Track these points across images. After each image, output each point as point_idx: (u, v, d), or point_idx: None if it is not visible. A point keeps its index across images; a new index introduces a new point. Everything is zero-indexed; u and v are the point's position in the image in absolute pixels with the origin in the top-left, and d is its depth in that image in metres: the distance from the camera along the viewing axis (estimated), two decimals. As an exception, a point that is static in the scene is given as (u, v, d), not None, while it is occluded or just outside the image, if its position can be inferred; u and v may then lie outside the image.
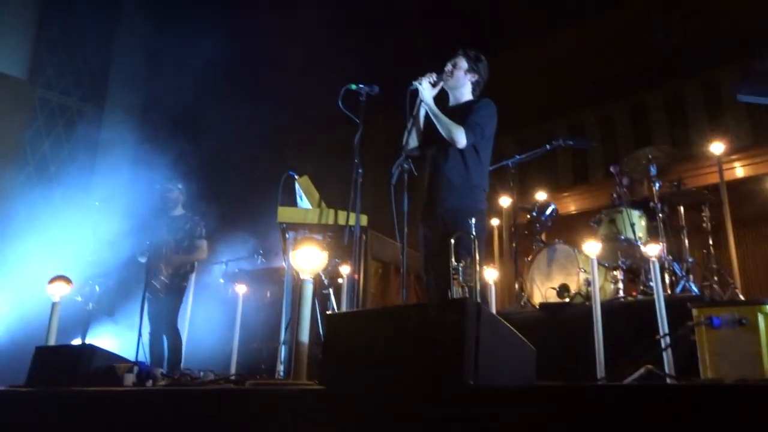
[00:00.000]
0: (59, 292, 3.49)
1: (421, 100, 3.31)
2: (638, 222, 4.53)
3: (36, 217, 7.48)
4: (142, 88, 9.36)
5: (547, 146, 5.08)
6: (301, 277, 2.30)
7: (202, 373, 3.05)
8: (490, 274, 3.61)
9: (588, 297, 4.20)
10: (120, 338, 6.10)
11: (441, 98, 3.43)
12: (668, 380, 2.33)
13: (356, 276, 3.55)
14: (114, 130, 8.98)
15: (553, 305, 4.24)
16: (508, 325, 1.87)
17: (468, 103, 3.41)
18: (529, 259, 4.87)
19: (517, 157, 5.16)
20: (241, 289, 4.07)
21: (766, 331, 2.09)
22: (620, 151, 8.05)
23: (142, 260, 4.87)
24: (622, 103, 8.85)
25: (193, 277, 5.10)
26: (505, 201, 5.60)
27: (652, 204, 4.55)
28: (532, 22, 9.68)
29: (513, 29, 9.75)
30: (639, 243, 4.40)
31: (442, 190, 3.23)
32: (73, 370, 2.85)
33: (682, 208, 4.81)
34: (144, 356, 4.54)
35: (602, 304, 3.01)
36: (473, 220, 3.02)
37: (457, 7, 9.19)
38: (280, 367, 3.39)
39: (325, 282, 3.77)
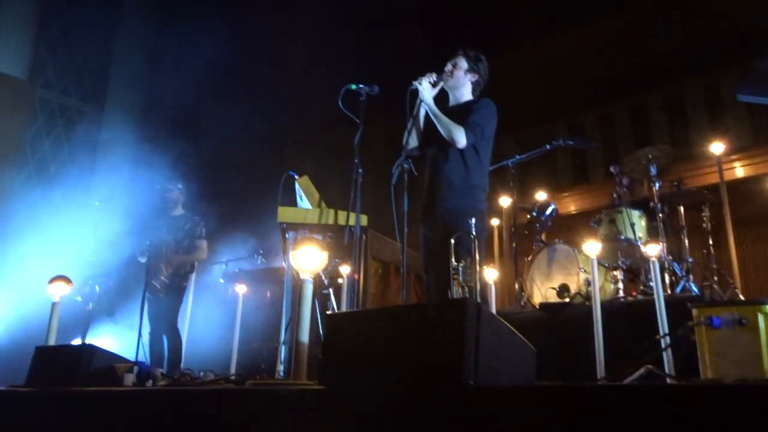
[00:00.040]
0: (59, 292, 3.49)
1: (421, 100, 3.31)
2: (638, 222, 4.53)
3: (36, 217, 7.48)
4: (142, 88, 9.36)
5: (547, 146, 5.08)
6: (301, 277, 2.30)
7: (202, 373, 3.05)
8: (490, 274, 3.61)
9: (588, 297, 4.20)
10: (120, 338, 6.10)
11: (441, 98, 3.43)
12: (668, 380, 2.33)
13: (356, 276, 3.55)
14: (114, 130, 8.98)
15: (553, 305, 4.24)
16: (508, 325, 1.87)
17: (468, 103, 3.41)
18: (529, 259, 4.87)
19: (517, 157, 5.15)
20: (241, 289, 4.07)
21: (766, 331, 2.09)
22: (620, 151, 8.06)
23: (142, 260, 4.87)
24: (622, 103, 8.86)
25: (193, 277, 5.10)
26: (505, 201, 5.60)
27: (652, 204, 4.55)
28: (533, 22, 9.69)
29: (513, 29, 9.76)
30: (639, 243, 4.40)
31: (442, 190, 3.23)
32: (73, 370, 2.85)
33: (682, 208, 4.81)
34: (144, 356, 4.53)
35: (602, 304, 3.01)
36: (473, 220, 3.02)
37: (458, 7, 9.20)
38: (280, 367, 3.39)
39: (325, 282, 3.77)
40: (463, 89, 3.45)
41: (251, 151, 8.32)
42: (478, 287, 2.92)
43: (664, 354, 2.59)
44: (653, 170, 4.60)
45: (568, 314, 3.99)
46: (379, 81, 3.26)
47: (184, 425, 2.09)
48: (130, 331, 5.18)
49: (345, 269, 3.55)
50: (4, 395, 2.88)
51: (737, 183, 7.10)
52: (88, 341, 5.18)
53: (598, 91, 8.74)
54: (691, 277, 4.42)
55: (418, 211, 3.36)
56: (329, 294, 3.76)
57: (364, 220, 3.20)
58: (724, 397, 1.22)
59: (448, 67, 3.45)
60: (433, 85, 3.32)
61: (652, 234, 4.54)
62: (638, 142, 8.07)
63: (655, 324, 2.74)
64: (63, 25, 9.06)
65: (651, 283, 3.47)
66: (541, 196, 5.41)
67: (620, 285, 4.37)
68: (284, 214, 3.38)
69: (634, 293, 4.37)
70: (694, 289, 4.27)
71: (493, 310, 3.61)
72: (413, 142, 3.40)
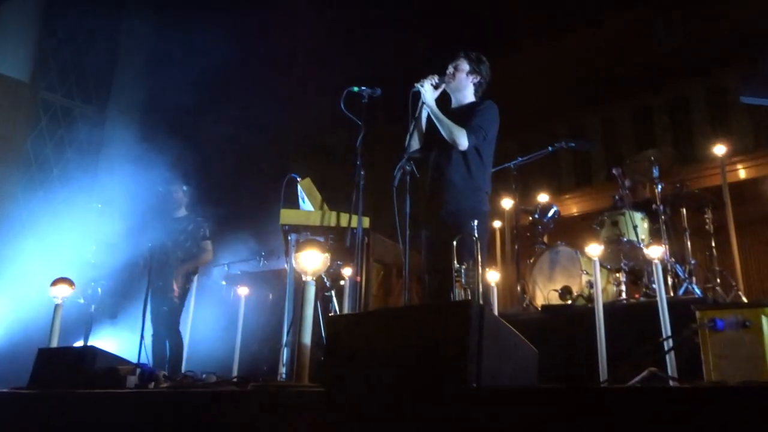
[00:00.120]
0: (62, 294, 3.49)
1: (423, 102, 3.31)
2: (641, 224, 4.53)
3: (38, 218, 7.49)
4: (145, 90, 9.37)
5: (550, 148, 5.08)
6: (303, 279, 2.30)
7: (204, 375, 3.05)
8: (492, 276, 3.61)
9: (590, 299, 4.19)
10: (122, 340, 6.10)
11: (444, 100, 3.43)
12: (671, 383, 2.32)
13: (358, 278, 3.55)
14: (116, 132, 9.00)
15: (555, 307, 4.23)
16: (510, 327, 1.87)
17: (470, 105, 3.41)
18: (531, 261, 4.87)
19: (519, 158, 5.16)
20: (243, 291, 4.07)
21: (770, 334, 2.08)
22: (622, 153, 8.06)
23: (145, 263, 4.88)
24: (624, 105, 8.85)
25: (195, 279, 5.11)
26: (507, 203, 5.59)
27: (654, 206, 4.55)
28: (534, 23, 9.69)
29: (515, 31, 9.76)
30: (641, 245, 4.39)
31: (444, 192, 3.23)
32: (76, 372, 2.85)
33: (684, 210, 4.80)
34: (146, 358, 4.53)
35: (604, 306, 3.01)
36: (476, 222, 3.02)
37: (459, 8, 9.20)
38: (282, 369, 3.39)
39: (327, 284, 3.77)
40: (466, 91, 3.45)
41: (253, 152, 8.32)
42: (481, 289, 2.92)
43: (667, 356, 2.58)
44: (656, 172, 4.60)
45: (571, 316, 3.99)
46: (382, 83, 3.26)
47: (186, 427, 2.09)
48: (132, 333, 5.18)
49: (347, 271, 3.55)
50: (6, 397, 2.89)
51: (740, 185, 7.08)
52: (90, 343, 5.18)
53: (600, 93, 8.74)
54: (693, 279, 4.41)
55: (420, 213, 3.35)
56: (331, 296, 3.76)
57: (366, 222, 3.20)
58: (728, 399, 1.21)
59: (450, 69, 3.45)
60: (435, 87, 3.32)
61: (655, 236, 4.53)
62: (640, 144, 8.07)
63: (657, 326, 2.74)
64: (65, 27, 9.08)
65: (653, 285, 3.47)
66: (543, 198, 5.41)
67: (622, 287, 4.36)
68: (286, 216, 3.38)
69: (636, 295, 4.36)
70: (697, 291, 4.27)
71: (495, 312, 3.60)
72: (415, 144, 3.40)
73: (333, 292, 3.76)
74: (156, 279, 4.80)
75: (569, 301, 4.30)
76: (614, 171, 4.97)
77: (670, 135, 8.29)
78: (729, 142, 5.54)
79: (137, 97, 9.40)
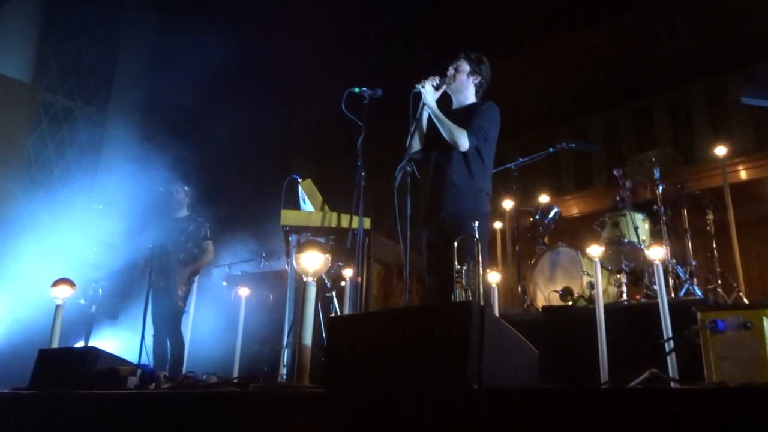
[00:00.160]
0: (63, 294, 3.49)
1: (424, 103, 3.31)
2: (642, 225, 4.52)
3: (39, 219, 7.50)
4: (146, 90, 9.38)
5: (551, 149, 5.07)
6: (304, 279, 2.30)
7: (205, 376, 3.05)
8: (493, 276, 3.61)
9: (591, 300, 4.19)
10: (123, 341, 6.10)
11: (445, 101, 3.43)
12: (672, 384, 2.32)
13: (359, 279, 3.55)
14: (117, 132, 9.00)
15: (556, 308, 4.23)
16: (511, 327, 1.87)
17: (472, 106, 3.41)
18: (532, 262, 4.86)
19: (520, 159, 5.15)
20: (243, 291, 4.07)
21: (771, 335, 2.08)
22: (623, 154, 8.05)
23: (145, 263, 4.89)
24: (625, 106, 8.85)
25: (196, 279, 5.11)
26: (507, 204, 5.59)
27: (655, 207, 4.55)
28: (536, 26, 9.69)
29: (516, 33, 9.76)
30: (642, 246, 4.39)
31: (445, 193, 3.23)
32: (76, 372, 2.85)
33: (685, 211, 4.79)
34: (147, 359, 4.53)
35: (605, 307, 3.01)
36: (476, 223, 3.02)
37: (461, 10, 9.20)
38: (283, 370, 3.39)
39: (328, 285, 3.77)
40: (467, 92, 3.45)
41: (254, 153, 8.32)
42: (481, 290, 2.92)
43: (668, 358, 2.58)
44: (656, 173, 4.60)
45: (571, 317, 3.99)
46: (383, 84, 3.26)
47: (186, 428, 2.09)
48: (133, 333, 5.18)
49: (348, 272, 3.55)
50: (7, 397, 2.89)
51: (741, 186, 7.08)
52: (91, 344, 5.18)
53: (601, 94, 8.74)
54: (694, 280, 4.41)
55: (421, 214, 3.35)
56: (332, 297, 3.76)
57: (367, 223, 3.20)
58: (729, 400, 1.21)
59: (450, 71, 3.45)
60: (436, 88, 3.32)
61: (656, 237, 4.53)
62: (641, 145, 8.06)
63: (658, 327, 2.73)
64: (66, 28, 9.09)
65: (654, 287, 3.46)
66: (543, 199, 5.41)
67: (623, 288, 4.36)
68: (287, 217, 3.38)
69: (637, 296, 4.36)
70: (698, 292, 4.26)
71: (496, 313, 3.60)
72: (416, 145, 3.40)
73: (334, 293, 3.76)
74: (157, 279, 4.80)
75: (570, 302, 4.30)
76: (615, 172, 4.98)
77: (670, 136, 8.29)
78: (730, 143, 5.54)
79: (138, 97, 9.41)
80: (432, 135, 3.36)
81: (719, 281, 4.50)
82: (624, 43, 8.65)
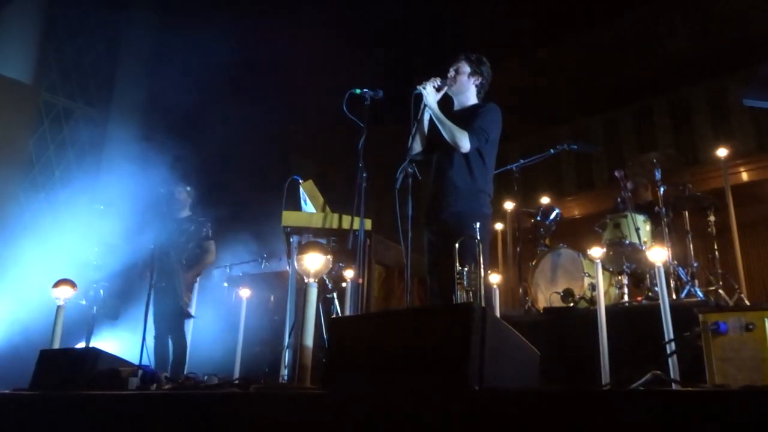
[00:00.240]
0: (64, 295, 3.49)
1: (425, 105, 3.31)
2: (643, 226, 4.52)
3: (40, 220, 7.50)
4: (147, 91, 9.40)
5: (552, 150, 5.07)
6: (305, 280, 2.29)
7: (206, 377, 3.05)
8: (494, 278, 3.61)
9: (592, 302, 4.19)
10: (124, 342, 6.10)
11: (446, 102, 3.43)
12: (674, 386, 2.32)
13: (360, 280, 3.54)
14: (118, 133, 9.02)
15: (557, 310, 4.23)
16: (513, 329, 1.86)
17: (473, 108, 3.40)
18: (533, 263, 4.86)
19: (522, 161, 5.15)
20: (244, 293, 4.07)
21: (773, 337, 2.08)
22: (625, 156, 8.05)
23: (144, 264, 4.89)
24: (626, 108, 8.85)
25: (197, 280, 5.11)
26: (509, 205, 5.59)
27: (656, 208, 4.54)
28: (537, 26, 9.70)
29: (517, 35, 9.77)
30: (643, 247, 4.38)
31: (446, 195, 3.23)
32: (77, 373, 2.85)
33: (686, 213, 4.79)
34: (148, 360, 4.53)
35: (607, 309, 3.00)
36: (478, 225, 3.02)
37: (462, 12, 9.21)
38: (284, 371, 3.39)
39: (329, 286, 3.77)
40: (468, 93, 3.45)
41: (255, 154, 8.33)
42: (482, 291, 2.91)
43: (670, 359, 2.58)
44: (658, 175, 4.59)
45: (573, 319, 3.98)
46: (384, 85, 3.26)
47: (187, 429, 2.09)
48: (134, 334, 5.18)
49: (349, 273, 3.55)
50: (8, 398, 2.89)
51: (742, 187, 7.08)
52: (92, 344, 5.18)
53: (602, 95, 8.75)
54: (696, 281, 4.40)
55: (422, 216, 3.35)
56: (333, 298, 3.76)
57: (368, 224, 3.20)
58: (731, 402, 1.21)
59: (451, 72, 3.45)
60: (437, 90, 3.32)
61: (657, 238, 4.52)
62: (642, 146, 8.07)
63: (660, 329, 2.73)
64: (68, 29, 9.11)
65: (656, 288, 3.46)
66: (545, 200, 5.41)
67: (625, 290, 4.36)
68: (288, 218, 3.38)
69: (638, 298, 4.35)
70: (699, 294, 4.26)
71: (497, 314, 3.60)
72: (417, 146, 3.39)
73: (335, 294, 3.76)
74: (158, 280, 4.80)
75: (571, 304, 4.30)
76: (616, 173, 4.97)
77: (671, 137, 8.29)
78: (731, 144, 5.54)
79: (139, 98, 9.43)
80: (433, 136, 3.35)
81: (720, 283, 4.50)
82: (624, 44, 8.66)
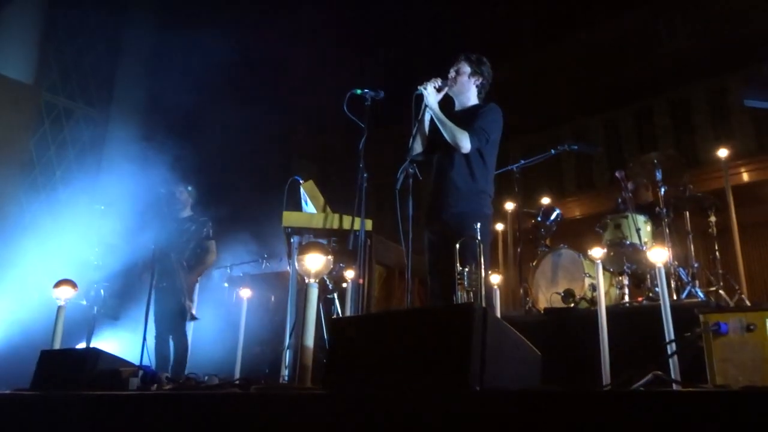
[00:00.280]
0: (65, 295, 3.49)
1: (426, 105, 3.31)
2: (643, 227, 4.52)
3: (41, 220, 7.50)
4: (147, 91, 9.40)
5: (552, 151, 5.07)
6: (306, 281, 2.29)
7: (206, 378, 3.05)
8: (494, 278, 3.61)
9: (593, 302, 4.19)
10: (125, 342, 6.10)
11: (447, 102, 3.43)
12: (675, 386, 2.32)
13: (361, 280, 3.54)
14: (119, 133, 9.02)
15: (557, 310, 4.23)
16: (514, 329, 1.86)
17: (474, 108, 3.40)
18: (533, 263, 4.86)
19: (522, 161, 5.15)
20: (245, 293, 4.06)
21: (774, 337, 2.08)
22: (625, 156, 8.05)
23: (145, 264, 4.89)
24: (626, 108, 8.85)
25: (198, 281, 5.11)
26: (509, 205, 5.59)
27: (657, 209, 4.54)
28: (537, 28, 9.70)
29: (518, 35, 9.77)
30: (644, 248, 4.38)
31: (447, 195, 3.23)
32: (78, 373, 2.85)
33: (687, 213, 4.79)
34: (149, 360, 4.53)
35: (607, 310, 3.00)
36: (478, 225, 3.02)
37: (463, 13, 9.21)
38: (285, 372, 3.39)
39: (330, 286, 3.77)
40: (469, 93, 3.45)
41: (256, 154, 8.33)
42: (483, 291, 2.91)
43: (670, 360, 2.57)
44: (659, 175, 4.59)
45: (573, 319, 3.98)
46: (384, 85, 3.26)
47: (188, 429, 2.09)
48: (135, 334, 5.18)
49: (349, 274, 3.55)
50: (8, 398, 2.89)
51: (743, 188, 7.07)
52: (92, 345, 5.19)
53: (602, 96, 8.74)
54: (696, 282, 4.40)
55: (422, 216, 3.35)
56: (334, 298, 3.75)
57: (368, 224, 3.20)
58: (732, 403, 1.21)
59: (452, 73, 3.45)
60: (438, 90, 3.32)
61: (658, 239, 4.52)
62: (643, 147, 8.07)
63: (660, 329, 2.72)
64: (68, 29, 9.11)
65: (656, 289, 3.46)
66: (545, 200, 5.41)
67: (625, 290, 4.36)
68: (289, 218, 3.38)
69: (639, 298, 4.35)
70: (700, 294, 4.26)
71: (498, 315, 3.60)
72: (418, 147, 3.39)
73: (335, 295, 3.75)
74: (159, 280, 4.80)
75: (572, 304, 4.30)
76: (617, 174, 4.97)
77: (672, 137, 8.29)
78: (731, 144, 5.53)
79: (139, 98, 9.43)
80: (434, 137, 3.36)
81: (721, 283, 4.49)
82: (624, 44, 8.66)
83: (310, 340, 2.19)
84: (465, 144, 3.17)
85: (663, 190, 4.55)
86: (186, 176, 5.46)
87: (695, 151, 7.79)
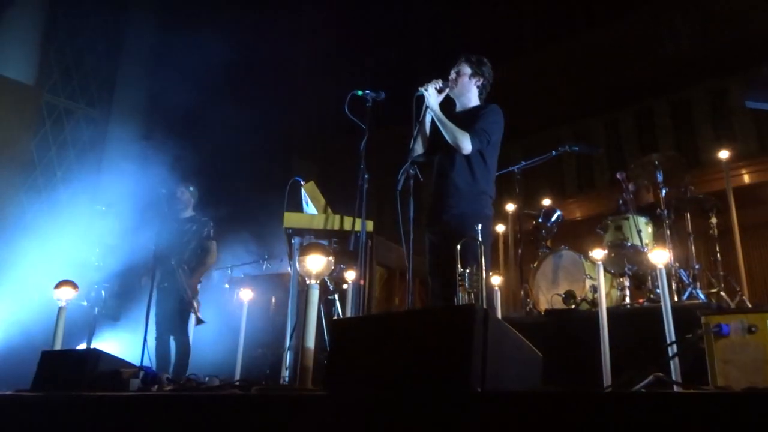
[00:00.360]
0: (65, 296, 3.49)
1: (427, 106, 3.31)
2: (645, 228, 4.52)
3: (42, 221, 7.51)
4: (148, 92, 9.41)
5: (553, 152, 5.07)
6: (307, 282, 2.29)
7: (207, 379, 3.05)
8: (495, 279, 3.61)
9: (594, 304, 4.18)
10: (125, 343, 6.10)
11: (448, 103, 3.43)
12: (676, 388, 2.31)
13: (361, 282, 3.54)
14: (119, 134, 9.03)
15: (558, 312, 4.22)
16: (515, 330, 1.86)
17: (474, 109, 3.41)
18: (534, 265, 4.86)
19: (523, 162, 5.15)
20: (246, 294, 4.06)
21: (775, 339, 2.08)
22: (626, 157, 8.05)
23: (145, 264, 4.89)
24: (627, 109, 8.84)
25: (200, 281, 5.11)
26: (510, 207, 5.58)
27: (658, 210, 4.54)
28: (538, 28, 9.70)
29: (518, 36, 9.77)
30: (645, 249, 4.38)
31: (448, 196, 3.23)
32: (79, 374, 2.84)
33: (688, 215, 4.78)
34: (149, 361, 4.53)
35: (608, 311, 3.00)
36: (479, 226, 3.02)
37: (464, 13, 9.21)
38: (285, 373, 3.39)
39: (331, 288, 3.76)
40: (469, 94, 3.45)
41: (256, 155, 8.34)
42: (484, 293, 2.91)
43: (671, 361, 2.57)
44: (659, 176, 4.59)
45: (574, 321, 3.97)
46: (386, 87, 3.27)
47: (189, 431, 2.09)
48: (135, 335, 5.18)
49: (350, 275, 3.54)
50: (9, 399, 2.89)
51: (744, 189, 7.07)
52: (93, 346, 5.19)
53: (604, 97, 8.74)
54: (697, 284, 4.39)
55: (423, 217, 3.35)
56: (334, 300, 3.75)
57: (369, 225, 3.20)
58: (733, 404, 1.21)
59: (452, 74, 3.45)
60: (439, 91, 3.32)
61: (659, 240, 4.52)
62: (643, 148, 8.06)
63: (661, 331, 2.72)
64: (69, 30, 9.12)
65: (657, 290, 3.46)
66: (546, 202, 5.40)
67: (626, 292, 4.35)
68: (290, 219, 3.38)
69: (640, 300, 4.35)
70: (701, 296, 4.25)
71: (499, 316, 3.60)
72: (419, 148, 3.40)
73: (336, 296, 3.75)
74: (161, 280, 4.80)
75: (572, 306, 4.29)
76: (618, 175, 4.96)
77: (672, 139, 8.28)
78: (733, 146, 5.53)
79: (140, 98, 9.44)
80: (435, 138, 3.36)
81: (722, 285, 4.48)
82: (625, 45, 8.65)
83: (310, 341, 2.19)
84: (466, 145, 3.17)
85: (664, 191, 4.54)
86: (186, 176, 5.47)
87: (696, 153, 7.78)
